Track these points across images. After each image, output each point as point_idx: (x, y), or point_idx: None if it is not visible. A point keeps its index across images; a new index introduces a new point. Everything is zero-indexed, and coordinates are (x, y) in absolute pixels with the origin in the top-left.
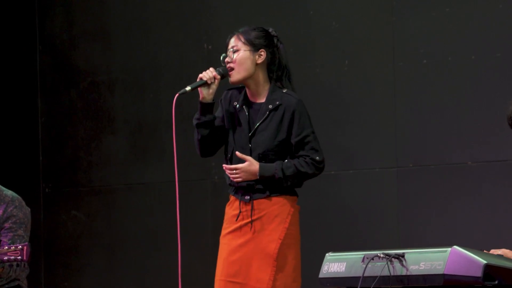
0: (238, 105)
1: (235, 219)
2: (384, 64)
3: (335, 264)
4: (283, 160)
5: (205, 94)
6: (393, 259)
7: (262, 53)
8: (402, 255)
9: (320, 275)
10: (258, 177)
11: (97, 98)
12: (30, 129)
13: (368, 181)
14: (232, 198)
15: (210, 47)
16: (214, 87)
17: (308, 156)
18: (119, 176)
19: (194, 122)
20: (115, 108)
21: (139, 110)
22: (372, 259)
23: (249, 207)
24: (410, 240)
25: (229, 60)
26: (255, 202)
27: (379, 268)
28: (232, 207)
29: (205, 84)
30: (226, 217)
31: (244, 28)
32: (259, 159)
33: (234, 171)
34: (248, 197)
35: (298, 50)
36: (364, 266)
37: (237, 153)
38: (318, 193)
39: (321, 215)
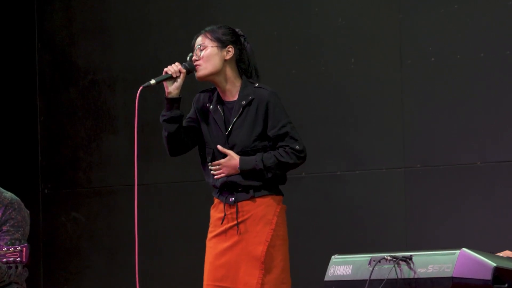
0: (211, 106)
1: (220, 222)
2: (391, 62)
3: (341, 267)
4: (258, 153)
5: (171, 88)
6: (400, 261)
7: (230, 49)
8: (410, 258)
9: (326, 278)
10: (239, 171)
11: (97, 97)
12: (29, 128)
13: (375, 182)
14: (216, 201)
15: None
16: (179, 81)
17: (288, 145)
18: (119, 176)
19: (161, 118)
20: (115, 107)
21: (141, 109)
22: (379, 261)
23: (234, 210)
24: (418, 242)
25: (196, 58)
26: (239, 204)
27: (386, 271)
28: (217, 210)
29: (170, 78)
30: (211, 220)
31: (210, 27)
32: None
33: (218, 166)
34: (233, 199)
35: (302, 48)
36: (371, 269)
37: (219, 146)
38: (323, 194)
39: (327, 216)
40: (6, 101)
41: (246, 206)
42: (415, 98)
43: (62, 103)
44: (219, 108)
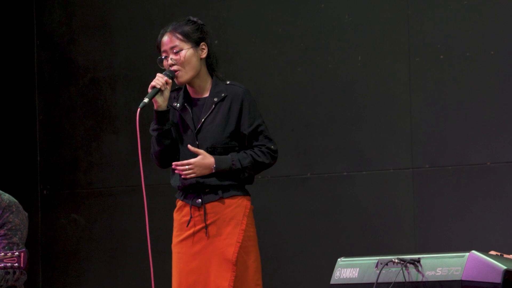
0: (178, 105)
1: (186, 225)
2: (399, 59)
3: (347, 269)
4: (232, 153)
5: (160, 101)
6: (408, 264)
7: (204, 46)
8: (418, 261)
9: (332, 281)
10: (213, 171)
11: (97, 96)
12: (27, 128)
13: (383, 182)
14: (180, 203)
15: (216, 41)
16: (166, 93)
17: (264, 145)
18: (120, 177)
19: (154, 133)
20: (116, 106)
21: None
22: (386, 264)
23: (201, 212)
24: (426, 244)
25: (172, 63)
26: (207, 205)
27: (393, 274)
28: (182, 213)
29: (159, 91)
30: (175, 224)
31: (173, 25)
32: (208, 153)
33: (187, 166)
34: (200, 201)
35: (309, 45)
36: (378, 272)
37: (189, 146)
38: (330, 195)
39: (333, 218)
40: (4, 100)
41: (215, 207)
42: (424, 97)
43: (61, 102)
44: (187, 106)
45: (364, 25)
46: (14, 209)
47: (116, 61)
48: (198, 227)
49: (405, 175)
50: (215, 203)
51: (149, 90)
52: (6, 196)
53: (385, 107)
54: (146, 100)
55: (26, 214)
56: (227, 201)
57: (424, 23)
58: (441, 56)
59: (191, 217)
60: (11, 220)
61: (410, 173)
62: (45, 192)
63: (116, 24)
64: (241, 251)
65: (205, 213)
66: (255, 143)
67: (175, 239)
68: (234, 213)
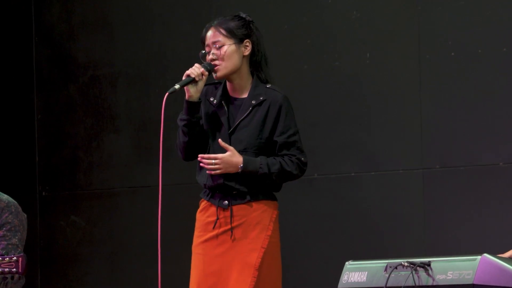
0: (216, 101)
1: (211, 226)
2: (409, 57)
3: (355, 273)
4: (261, 156)
5: (193, 92)
6: (418, 268)
7: (248, 44)
8: (428, 264)
9: (339, 286)
10: (239, 170)
11: (98, 94)
12: (25, 127)
13: (392, 183)
14: (205, 204)
15: None
16: (201, 84)
17: (294, 155)
18: (121, 178)
19: (181, 123)
20: (117, 104)
21: (144, 106)
22: (396, 268)
23: (227, 214)
24: (437, 247)
25: (214, 58)
26: (234, 208)
27: (403, 278)
28: (206, 214)
29: (193, 81)
30: (198, 224)
31: (219, 19)
32: None
33: (214, 160)
34: (227, 203)
35: (315, 42)
36: (387, 275)
37: (220, 141)
38: (337, 196)
39: (340, 220)
40: (2, 98)
41: (241, 210)
42: (434, 95)
43: (60, 100)
44: (224, 104)
45: (372, 22)
46: (13, 210)
47: (117, 59)
48: (222, 229)
49: (415, 176)
50: (242, 206)
51: (184, 78)
52: (5, 197)
53: (395, 105)
54: (176, 86)
55: (25, 215)
56: (254, 204)
57: (434, 19)
58: (452, 53)
59: (217, 218)
60: (10, 220)
61: (420, 173)
62: (44, 193)
63: (116, 21)
64: (265, 257)
65: (231, 215)
66: (285, 152)
67: (197, 240)
68: (260, 217)
